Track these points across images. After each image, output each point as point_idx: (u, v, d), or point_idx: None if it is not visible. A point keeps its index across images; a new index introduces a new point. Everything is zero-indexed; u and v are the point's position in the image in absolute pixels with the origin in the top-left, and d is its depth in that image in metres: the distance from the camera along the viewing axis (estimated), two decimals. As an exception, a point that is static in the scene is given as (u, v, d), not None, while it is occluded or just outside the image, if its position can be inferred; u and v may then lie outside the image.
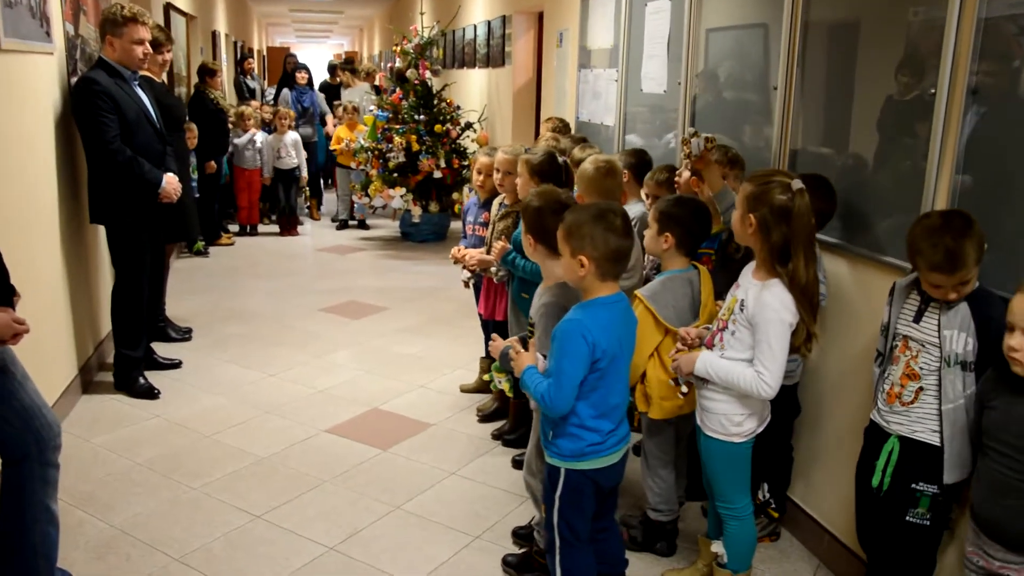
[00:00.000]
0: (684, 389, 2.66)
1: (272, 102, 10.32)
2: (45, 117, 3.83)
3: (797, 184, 2.28)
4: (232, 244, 8.00)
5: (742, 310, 2.36)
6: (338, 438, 3.82)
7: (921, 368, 2.16)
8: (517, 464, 3.54)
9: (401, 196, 7.82)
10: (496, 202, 3.86)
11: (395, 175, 7.88)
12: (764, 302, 2.29)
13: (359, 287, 6.53)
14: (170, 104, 5.26)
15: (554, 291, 2.54)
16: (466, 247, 3.94)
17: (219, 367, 4.68)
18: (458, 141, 8.08)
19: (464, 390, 4.42)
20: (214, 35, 11.39)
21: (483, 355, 4.37)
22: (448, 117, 8.07)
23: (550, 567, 2.43)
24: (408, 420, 4.05)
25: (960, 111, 2.29)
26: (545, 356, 2.35)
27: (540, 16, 7.46)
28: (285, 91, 9.88)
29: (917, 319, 2.18)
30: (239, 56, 13.78)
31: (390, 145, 7.84)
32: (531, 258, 2.70)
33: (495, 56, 8.65)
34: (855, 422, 2.68)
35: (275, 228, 8.69)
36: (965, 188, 2.29)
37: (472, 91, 9.76)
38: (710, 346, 2.48)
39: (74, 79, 4.17)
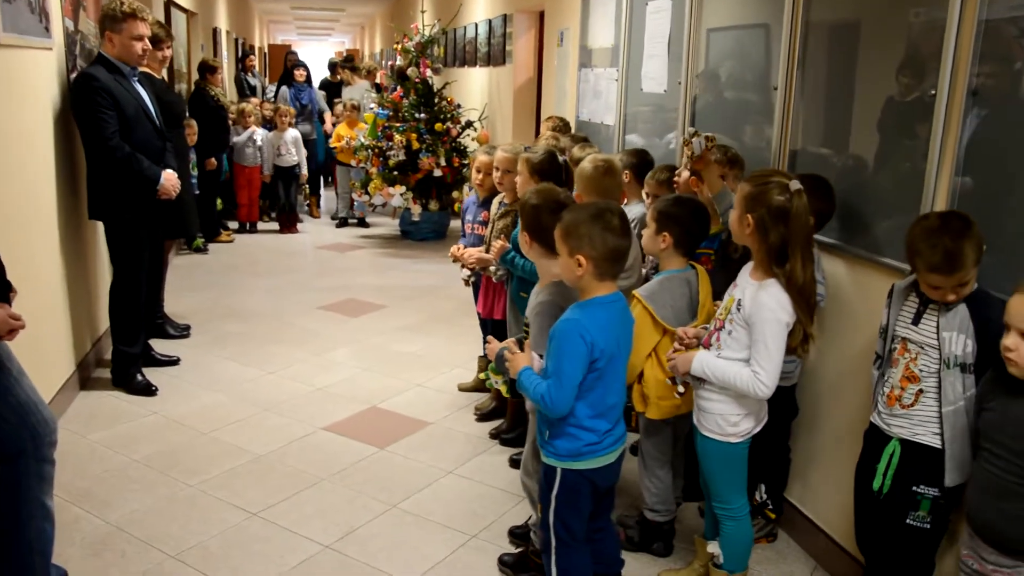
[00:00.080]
0: (681, 389, 2.66)
1: (272, 99, 10.31)
2: (44, 113, 3.82)
3: (795, 185, 2.28)
4: (231, 241, 7.99)
5: (739, 310, 2.36)
6: (336, 436, 3.82)
7: (921, 370, 2.16)
8: (514, 463, 3.53)
9: (401, 194, 7.81)
10: (495, 201, 3.85)
11: (395, 173, 7.88)
12: (761, 302, 2.29)
13: (358, 285, 6.52)
14: (170, 100, 5.26)
15: (550, 290, 2.53)
16: (465, 246, 3.93)
17: (217, 364, 4.68)
18: (458, 140, 8.07)
19: (462, 389, 4.41)
20: (215, 32, 11.39)
21: (481, 354, 4.37)
22: (448, 115, 8.06)
23: (546, 567, 2.42)
24: (406, 418, 4.05)
25: (960, 113, 2.29)
26: (541, 355, 2.34)
27: (541, 15, 7.46)
28: (284, 88, 9.87)
29: (916, 321, 2.18)
30: (240, 53, 13.78)
31: (390, 143, 7.83)
32: (527, 256, 2.69)
33: (496, 55, 8.65)
34: (853, 424, 2.68)
35: (275, 226, 8.68)
36: (965, 190, 2.29)
37: (473, 90, 9.75)
38: (707, 346, 2.48)
39: (73, 75, 4.16)
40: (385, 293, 6.30)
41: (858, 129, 2.81)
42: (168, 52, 5.05)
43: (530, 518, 2.86)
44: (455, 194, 7.99)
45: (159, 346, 4.69)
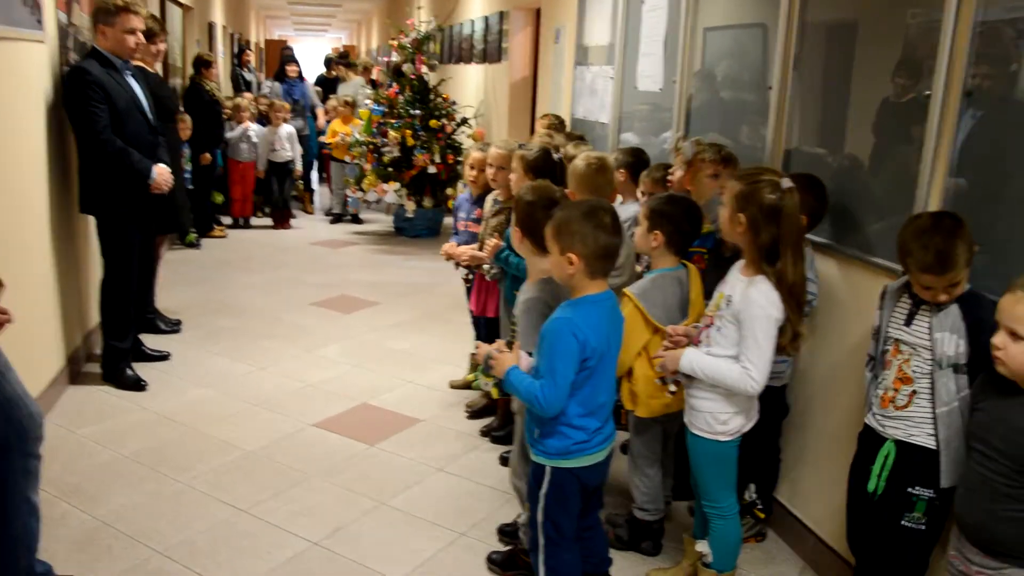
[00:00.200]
0: (673, 388, 2.65)
1: (266, 94, 10.27)
2: (36, 106, 3.80)
3: (786, 183, 2.27)
4: (224, 237, 7.96)
5: (728, 306, 2.35)
6: (326, 432, 3.80)
7: (914, 371, 2.15)
8: (505, 461, 3.52)
9: (395, 191, 7.80)
10: (489, 198, 3.84)
11: (389, 170, 7.86)
12: (751, 298, 2.28)
13: (351, 281, 6.51)
14: (163, 95, 5.22)
15: (538, 287, 2.52)
16: (458, 243, 3.92)
17: (208, 360, 4.66)
18: (453, 137, 8.06)
19: (454, 386, 4.40)
20: (211, 27, 11.35)
21: (473, 351, 4.35)
22: (444, 112, 8.05)
23: (534, 566, 2.42)
24: (397, 415, 4.03)
25: (955, 114, 2.28)
26: (530, 353, 2.33)
27: (537, 12, 7.44)
28: (276, 83, 9.83)
29: (908, 322, 2.17)
30: (237, 49, 13.74)
31: (385, 139, 7.82)
32: (518, 251, 2.68)
33: (492, 52, 8.63)
34: (844, 424, 2.68)
35: (268, 221, 8.66)
36: (959, 191, 2.29)
37: (468, 87, 9.74)
38: (698, 344, 2.47)
39: (66, 68, 4.13)
40: (378, 289, 6.28)
41: (853, 129, 2.80)
42: (162, 46, 5.02)
43: (519, 516, 2.85)
44: (449, 191, 7.98)
45: (150, 341, 4.66)
